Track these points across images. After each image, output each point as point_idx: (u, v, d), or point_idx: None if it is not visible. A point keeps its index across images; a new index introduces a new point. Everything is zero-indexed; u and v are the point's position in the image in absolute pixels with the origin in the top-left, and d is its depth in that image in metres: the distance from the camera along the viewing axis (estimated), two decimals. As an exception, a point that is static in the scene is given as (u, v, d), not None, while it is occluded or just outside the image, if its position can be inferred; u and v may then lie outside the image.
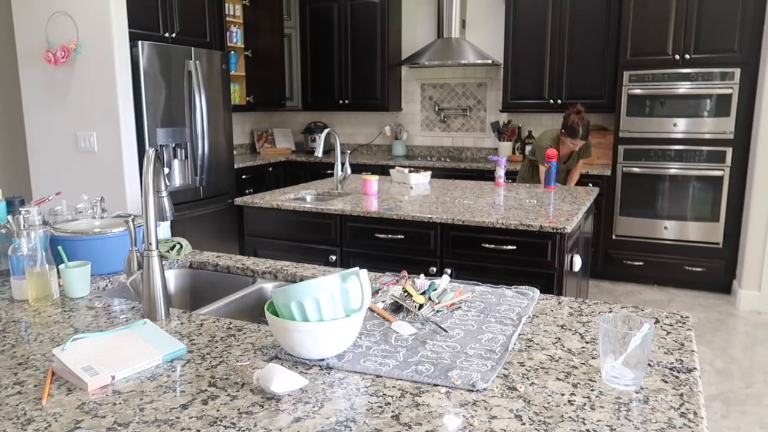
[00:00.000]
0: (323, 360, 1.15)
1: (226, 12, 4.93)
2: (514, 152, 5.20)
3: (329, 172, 5.24)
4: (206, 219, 4.42)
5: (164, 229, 2.12)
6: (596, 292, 4.40)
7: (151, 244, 1.37)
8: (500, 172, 3.61)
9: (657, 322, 1.37)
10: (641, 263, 4.52)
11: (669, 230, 4.41)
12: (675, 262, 4.42)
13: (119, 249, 1.73)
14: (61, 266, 1.57)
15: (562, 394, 1.03)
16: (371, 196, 3.20)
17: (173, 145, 4.08)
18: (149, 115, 3.85)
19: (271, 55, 5.60)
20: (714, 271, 4.33)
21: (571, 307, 1.48)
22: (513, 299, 1.52)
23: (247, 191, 5.03)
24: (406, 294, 1.50)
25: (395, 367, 1.13)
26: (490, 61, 4.95)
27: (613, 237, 4.58)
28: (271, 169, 5.46)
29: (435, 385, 1.06)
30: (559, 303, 1.51)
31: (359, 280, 1.15)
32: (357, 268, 1.19)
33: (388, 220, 2.78)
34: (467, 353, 1.19)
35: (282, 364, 1.14)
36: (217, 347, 1.24)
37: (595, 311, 1.45)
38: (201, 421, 0.95)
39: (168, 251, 1.97)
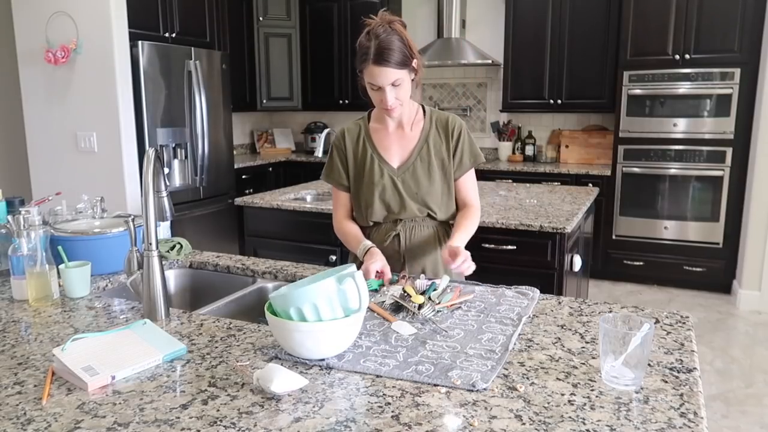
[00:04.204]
0: (323, 360, 1.15)
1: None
2: (514, 152, 5.19)
3: (329, 172, 5.24)
4: (206, 219, 4.42)
5: (164, 229, 2.12)
6: (596, 292, 4.40)
7: (151, 244, 1.37)
8: None
9: (657, 322, 1.37)
10: (641, 263, 4.51)
11: (669, 230, 4.41)
12: (675, 262, 4.41)
13: (119, 249, 1.73)
14: (61, 266, 1.57)
15: (562, 394, 1.03)
16: (371, 196, 3.19)
17: (173, 145, 4.08)
18: (149, 115, 3.85)
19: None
20: (714, 271, 4.33)
21: (571, 307, 1.48)
22: (513, 299, 1.52)
23: (247, 191, 5.02)
24: (405, 294, 1.49)
25: (395, 367, 1.13)
26: (490, 61, 4.95)
27: (613, 237, 4.58)
28: (271, 169, 5.46)
29: (435, 385, 1.06)
30: (559, 303, 1.51)
31: (355, 282, 1.15)
32: (353, 268, 1.19)
33: (388, 220, 2.78)
34: (467, 353, 1.19)
35: (282, 364, 1.14)
36: (217, 347, 1.24)
37: (595, 311, 1.45)
38: (201, 421, 0.95)
39: (168, 251, 1.97)
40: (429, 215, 1.82)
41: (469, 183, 1.87)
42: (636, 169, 4.44)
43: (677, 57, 4.20)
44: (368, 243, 1.72)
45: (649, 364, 1.13)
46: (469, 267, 1.56)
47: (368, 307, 1.42)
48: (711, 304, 4.18)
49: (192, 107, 4.16)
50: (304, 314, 1.11)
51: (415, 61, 1.67)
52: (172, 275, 1.93)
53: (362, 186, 1.81)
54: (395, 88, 1.66)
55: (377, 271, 1.59)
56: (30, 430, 0.93)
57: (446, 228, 1.88)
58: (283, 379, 1.01)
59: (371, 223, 1.84)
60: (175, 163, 4.12)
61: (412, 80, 1.71)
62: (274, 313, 1.16)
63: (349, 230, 1.83)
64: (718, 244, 4.30)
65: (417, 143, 1.81)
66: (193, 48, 4.15)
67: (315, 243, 2.98)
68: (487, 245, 2.63)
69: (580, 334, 1.30)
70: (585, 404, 0.99)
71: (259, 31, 5.54)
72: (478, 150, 1.85)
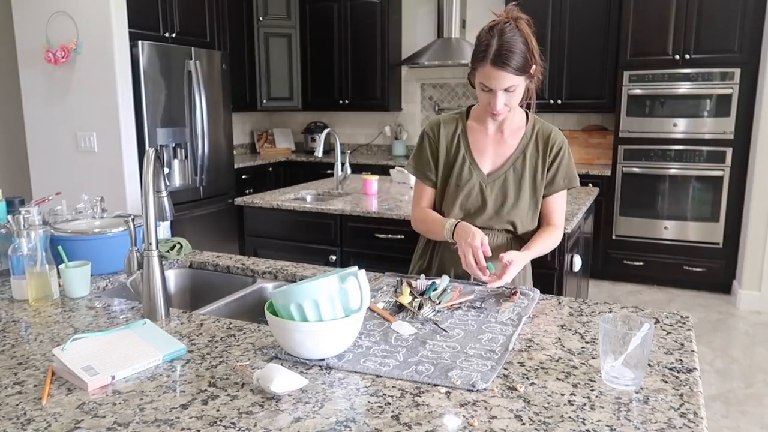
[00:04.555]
0: (323, 360, 1.15)
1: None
2: (514, 152, 5.19)
3: (329, 172, 5.24)
4: (206, 219, 4.42)
5: (164, 229, 2.12)
6: (596, 292, 4.40)
7: (151, 244, 1.37)
8: None
9: (657, 322, 1.37)
10: (641, 263, 4.51)
11: (669, 230, 4.41)
12: (675, 262, 4.41)
13: (119, 249, 1.73)
14: (61, 266, 1.57)
15: (562, 394, 1.03)
16: (371, 196, 3.20)
17: (173, 145, 4.08)
18: (149, 115, 3.85)
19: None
20: (714, 271, 4.33)
21: (571, 307, 1.48)
22: (513, 299, 1.52)
23: (247, 191, 5.03)
24: (400, 293, 1.49)
25: (395, 367, 1.13)
26: (490, 61, 4.94)
27: (613, 237, 4.58)
28: (271, 169, 5.46)
29: (435, 385, 1.06)
30: (559, 303, 1.51)
31: (358, 281, 1.15)
32: (356, 268, 1.19)
33: (388, 220, 2.78)
34: (467, 353, 1.19)
35: (282, 364, 1.14)
36: (217, 347, 1.24)
37: (595, 311, 1.45)
38: (201, 421, 0.95)
39: (168, 251, 1.97)
40: (507, 229, 1.72)
41: (557, 203, 1.72)
42: (636, 169, 4.44)
43: (677, 57, 4.20)
44: (453, 220, 1.60)
45: (649, 364, 1.13)
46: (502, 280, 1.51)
47: (368, 307, 1.42)
48: (711, 304, 4.18)
49: (192, 107, 4.16)
50: (305, 311, 1.11)
51: (534, 67, 1.53)
52: (172, 275, 1.93)
53: (447, 185, 1.70)
54: (507, 93, 1.52)
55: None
56: (30, 430, 0.93)
57: (520, 242, 1.74)
58: (283, 379, 1.01)
59: None
60: (175, 163, 4.12)
61: (527, 87, 1.57)
62: (274, 313, 1.16)
63: (430, 216, 1.71)
64: (718, 244, 4.30)
65: (513, 152, 1.68)
66: (193, 48, 4.15)
67: (315, 243, 2.98)
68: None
69: (580, 334, 1.30)
70: (585, 404, 0.99)
71: (259, 31, 5.54)
72: (575, 173, 1.71)
